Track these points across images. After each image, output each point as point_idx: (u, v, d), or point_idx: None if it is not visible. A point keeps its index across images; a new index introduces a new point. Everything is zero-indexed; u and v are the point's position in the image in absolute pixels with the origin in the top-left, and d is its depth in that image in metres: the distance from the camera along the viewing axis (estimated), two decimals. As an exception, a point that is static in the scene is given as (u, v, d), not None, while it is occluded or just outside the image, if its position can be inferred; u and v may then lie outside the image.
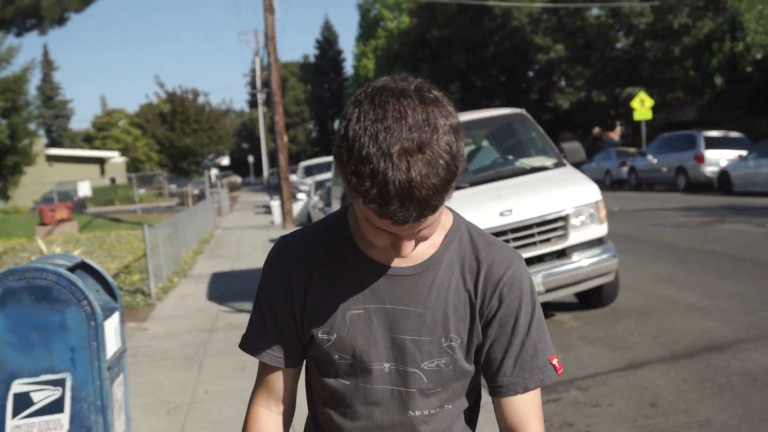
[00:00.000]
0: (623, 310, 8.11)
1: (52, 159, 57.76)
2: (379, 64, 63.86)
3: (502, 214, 7.44)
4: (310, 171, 28.25)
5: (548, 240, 7.57)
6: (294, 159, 67.97)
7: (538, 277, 7.35)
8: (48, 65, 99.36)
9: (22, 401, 3.79)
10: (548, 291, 7.47)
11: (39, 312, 3.78)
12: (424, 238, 1.48)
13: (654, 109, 39.62)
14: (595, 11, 41.35)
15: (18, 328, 3.77)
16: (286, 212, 23.76)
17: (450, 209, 1.68)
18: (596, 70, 41.70)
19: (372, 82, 1.46)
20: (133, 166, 65.87)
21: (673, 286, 8.99)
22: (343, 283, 1.62)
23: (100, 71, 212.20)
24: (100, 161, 65.87)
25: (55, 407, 3.80)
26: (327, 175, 23.24)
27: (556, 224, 7.55)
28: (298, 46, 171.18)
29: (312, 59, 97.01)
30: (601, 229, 7.76)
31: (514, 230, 7.44)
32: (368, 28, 72.02)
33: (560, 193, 7.69)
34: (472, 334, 1.62)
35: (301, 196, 24.69)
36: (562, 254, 7.65)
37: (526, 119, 8.96)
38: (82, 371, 3.80)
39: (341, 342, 1.62)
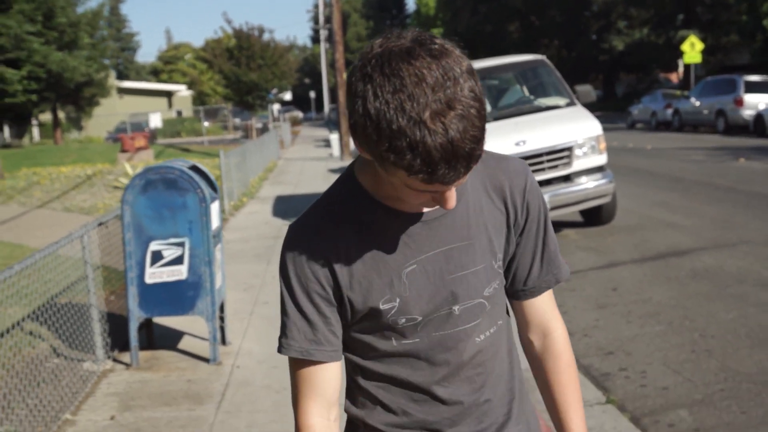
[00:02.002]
0: (617, 227, 9.73)
1: (122, 91, 60.28)
2: (440, 2, 64.64)
3: (517, 144, 9.06)
4: (368, 106, 29.90)
5: (555, 166, 9.18)
6: (354, 95, 69.27)
7: (546, 197, 9.00)
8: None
9: (156, 256, 5.62)
10: (554, 209, 9.12)
11: (168, 196, 5.59)
12: (446, 207, 1.44)
13: (709, 52, 40.13)
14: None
15: (154, 207, 5.59)
16: (343, 146, 25.57)
17: None
18: (652, 13, 42.19)
19: (365, 49, 1.39)
20: (199, 99, 68.11)
21: (665, 209, 10.55)
22: (385, 245, 1.56)
23: (164, 4, 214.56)
24: (168, 94, 68.25)
25: (178, 260, 5.63)
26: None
27: (562, 153, 9.16)
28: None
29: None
30: (600, 159, 9.32)
31: (526, 158, 9.05)
32: (431, -35, 72.51)
33: (567, 128, 9.27)
34: (509, 247, 1.65)
35: (358, 130, 26.43)
36: (567, 178, 9.27)
37: (546, 65, 10.50)
38: (196, 237, 5.61)
39: (406, 304, 1.56)
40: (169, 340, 6.24)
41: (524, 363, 1.77)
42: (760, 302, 6.23)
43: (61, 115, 45.15)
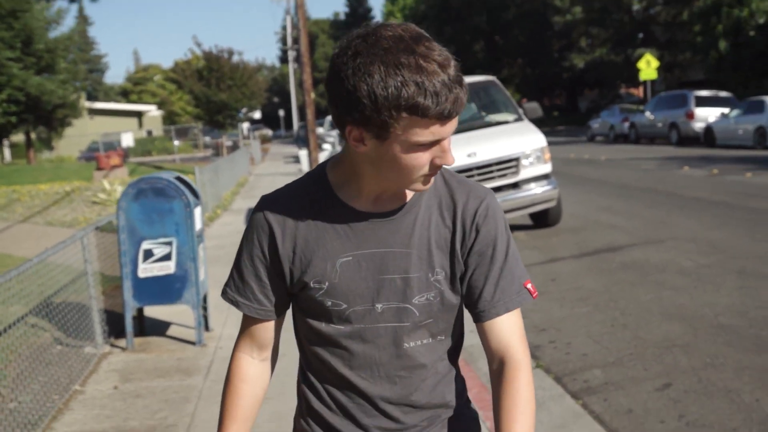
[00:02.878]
0: (563, 228, 10.67)
1: (93, 112, 60.72)
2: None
3: (468, 156, 9.99)
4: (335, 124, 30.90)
5: (504, 175, 10.12)
6: (322, 113, 70.22)
7: (496, 202, 9.92)
8: (83, 20, 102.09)
9: (148, 253, 6.44)
10: (504, 213, 10.04)
11: (157, 202, 6.42)
12: (448, 160, 1.57)
13: (667, 69, 41.60)
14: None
15: (145, 211, 6.41)
16: (312, 161, 26.43)
17: None
18: (611, 32, 43.66)
19: (346, 38, 1.52)
20: (169, 119, 68.72)
21: (608, 213, 11.52)
22: (330, 233, 1.70)
23: (132, 26, 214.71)
24: (138, 114, 68.77)
25: (167, 257, 6.45)
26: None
27: (510, 164, 10.10)
28: (328, 3, 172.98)
29: (342, 17, 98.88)
30: (545, 168, 10.26)
31: (477, 168, 10.00)
32: (396, -14, 73.86)
33: (514, 141, 10.22)
34: (455, 266, 1.71)
35: (326, 146, 27.32)
36: (515, 185, 10.20)
37: (496, 84, 11.48)
38: (182, 237, 6.44)
39: (333, 289, 1.69)
40: (159, 328, 7.05)
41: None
42: (675, 286, 7.17)
43: (33, 135, 45.52)
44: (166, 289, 6.46)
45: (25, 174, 30.68)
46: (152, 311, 7.21)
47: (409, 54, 1.45)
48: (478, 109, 11.43)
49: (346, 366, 1.76)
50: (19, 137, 43.20)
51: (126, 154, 43.89)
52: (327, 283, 1.70)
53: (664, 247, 8.79)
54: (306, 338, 1.81)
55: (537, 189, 10.19)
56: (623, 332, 6.08)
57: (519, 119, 10.94)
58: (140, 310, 6.87)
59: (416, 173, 1.58)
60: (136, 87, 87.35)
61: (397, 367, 1.75)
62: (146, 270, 6.47)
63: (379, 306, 1.70)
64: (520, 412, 1.68)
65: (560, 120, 51.98)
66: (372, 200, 1.70)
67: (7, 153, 50.57)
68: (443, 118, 1.48)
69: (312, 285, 1.71)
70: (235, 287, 1.80)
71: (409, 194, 1.71)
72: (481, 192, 1.74)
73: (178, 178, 6.80)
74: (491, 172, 10.06)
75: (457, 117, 1.51)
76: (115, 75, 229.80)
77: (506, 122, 10.87)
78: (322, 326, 1.75)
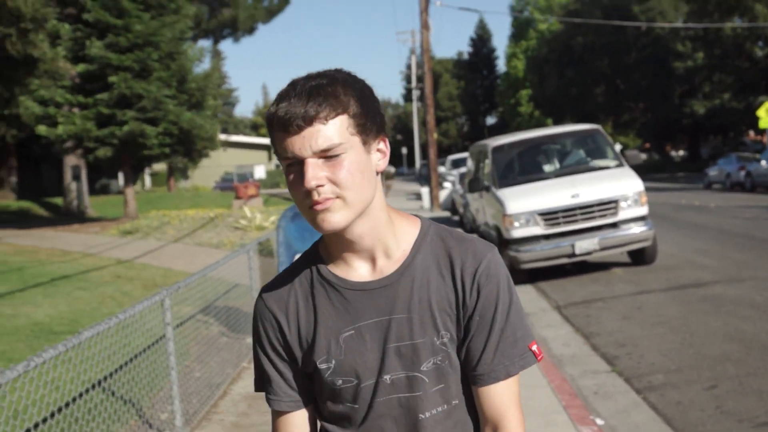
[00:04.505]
0: (657, 266, 11.76)
1: (225, 144, 64.24)
2: (528, 65, 67.14)
3: (572, 197, 11.27)
4: (456, 163, 32.41)
5: (604, 215, 11.34)
6: (445, 152, 71.98)
7: (596, 239, 11.14)
8: (217, 56, 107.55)
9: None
10: (603, 249, 11.26)
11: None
12: (336, 179, 1.55)
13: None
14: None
15: (299, 230, 8.01)
16: (433, 198, 28.02)
17: (418, 216, 1.80)
18: (733, 79, 43.76)
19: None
20: (297, 153, 71.80)
21: (701, 254, 12.52)
22: (328, 309, 1.68)
23: (261, 63, 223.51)
24: (267, 148, 72.14)
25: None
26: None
27: (610, 205, 11.32)
28: (452, 43, 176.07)
29: (466, 56, 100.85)
30: (642, 210, 11.41)
31: (580, 207, 11.26)
32: (520, 28, 75.25)
33: (614, 185, 11.44)
34: (459, 327, 1.68)
35: (446, 185, 28.82)
36: (614, 225, 11.40)
37: (600, 132, 12.75)
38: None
39: (340, 366, 1.67)
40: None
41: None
42: (743, 316, 8.26)
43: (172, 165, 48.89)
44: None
45: (168, 200, 33.54)
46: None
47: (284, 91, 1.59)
48: (583, 154, 12.70)
49: None
50: (160, 166, 46.56)
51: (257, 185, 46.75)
52: (333, 362, 1.68)
53: (744, 285, 9.82)
54: (327, 421, 1.79)
55: (634, 229, 11.35)
56: (688, 350, 7.26)
57: (620, 165, 12.15)
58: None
59: (300, 195, 1.58)
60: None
61: None
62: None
63: (387, 377, 1.67)
64: None
65: (680, 167, 52.02)
66: (363, 267, 1.69)
67: (147, 180, 54.43)
68: (287, 125, 1.53)
69: (319, 365, 1.69)
70: (262, 383, 1.79)
71: (402, 257, 1.69)
72: (482, 249, 1.70)
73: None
74: (593, 212, 11.29)
75: (309, 134, 1.53)
76: (245, 109, 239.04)
77: (608, 167, 12.11)
78: (337, 408, 1.73)
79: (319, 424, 1.82)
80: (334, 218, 1.57)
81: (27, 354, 6.92)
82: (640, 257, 12.01)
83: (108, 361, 5.57)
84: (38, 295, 10.56)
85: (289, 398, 1.75)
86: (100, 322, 4.50)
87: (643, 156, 58.17)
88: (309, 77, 1.58)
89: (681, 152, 64.66)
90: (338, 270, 1.70)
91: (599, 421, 5.62)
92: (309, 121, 1.52)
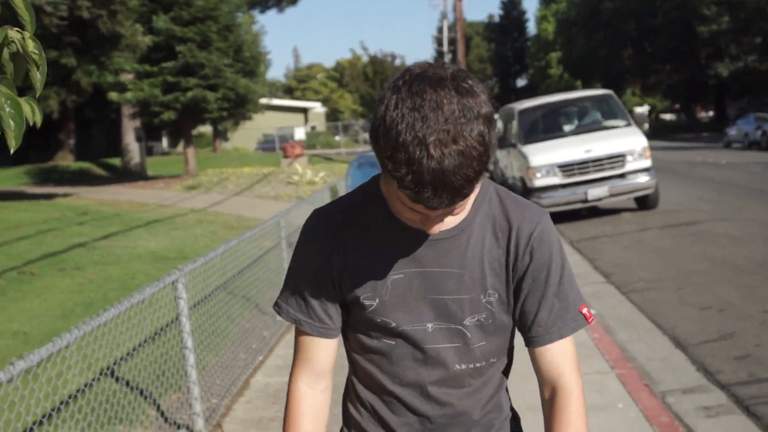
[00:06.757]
0: (659, 210, 13.78)
1: (265, 107, 66.45)
2: (558, 28, 68.41)
3: (586, 152, 13.30)
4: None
5: (613, 167, 13.36)
6: (475, 115, 73.21)
7: (606, 187, 13.18)
8: (250, 19, 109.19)
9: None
10: (612, 196, 13.30)
11: (371, 171, 10.11)
12: (453, 215, 1.56)
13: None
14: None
15: (364, 176, 10.12)
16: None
17: None
18: (760, 41, 45.00)
19: (411, 67, 1.49)
20: (332, 115, 74.04)
21: (702, 202, 14.52)
22: (383, 249, 1.68)
23: (294, 26, 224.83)
24: (304, 111, 74.32)
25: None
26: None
27: (618, 158, 13.33)
28: (483, 6, 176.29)
29: (497, 19, 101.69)
30: (646, 163, 13.40)
31: (592, 161, 13.28)
32: (550, -9, 76.23)
33: (622, 141, 13.45)
34: (509, 288, 1.71)
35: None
36: (622, 176, 13.41)
37: (612, 97, 14.77)
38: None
39: (384, 306, 1.69)
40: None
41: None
42: (719, 245, 10.24)
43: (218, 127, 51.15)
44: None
45: (216, 160, 35.86)
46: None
47: (430, 122, 1.39)
48: (597, 116, 14.72)
49: (396, 383, 1.77)
50: (205, 129, 48.89)
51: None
52: (377, 300, 1.70)
53: (727, 223, 11.82)
54: (356, 352, 1.81)
55: (639, 179, 13.36)
56: (670, 268, 9.30)
57: (628, 125, 14.14)
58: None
59: (405, 216, 1.62)
60: (300, 84, 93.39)
61: (447, 388, 1.76)
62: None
63: (429, 326, 1.70)
64: None
65: (706, 127, 53.37)
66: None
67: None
68: (426, 208, 1.46)
69: (363, 301, 1.70)
70: (296, 304, 1.77)
71: (463, 213, 1.68)
72: (537, 214, 1.73)
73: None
74: (603, 164, 13.31)
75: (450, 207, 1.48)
76: (276, 72, 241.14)
77: (618, 126, 14.11)
78: (373, 342, 1.75)
79: (352, 359, 1.84)
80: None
81: (158, 274, 9.08)
82: (644, 203, 14.02)
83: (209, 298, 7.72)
84: (143, 233, 12.82)
85: (321, 324, 1.75)
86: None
87: (669, 116, 59.20)
88: (436, 104, 1.39)
89: (711, 113, 65.79)
90: (400, 214, 1.67)
91: (593, 310, 7.72)
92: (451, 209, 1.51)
